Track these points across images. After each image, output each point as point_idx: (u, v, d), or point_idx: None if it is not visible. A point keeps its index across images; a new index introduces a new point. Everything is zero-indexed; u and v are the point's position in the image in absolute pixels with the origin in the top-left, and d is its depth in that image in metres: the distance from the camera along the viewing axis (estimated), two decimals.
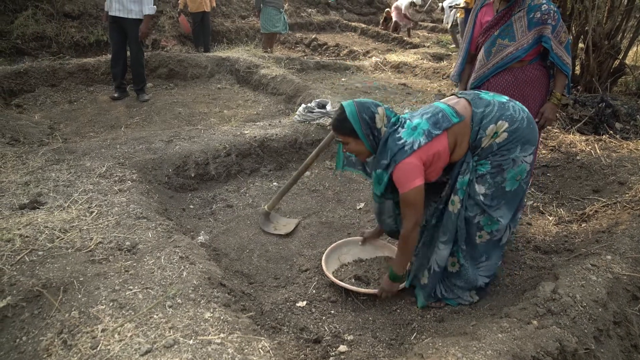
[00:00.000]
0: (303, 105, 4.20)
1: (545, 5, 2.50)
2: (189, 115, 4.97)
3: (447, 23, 13.14)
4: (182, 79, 6.29)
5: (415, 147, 1.92)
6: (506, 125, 1.96)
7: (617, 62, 4.75)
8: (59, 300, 1.68)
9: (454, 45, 11.29)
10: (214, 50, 8.43)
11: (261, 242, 2.79)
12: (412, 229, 2.00)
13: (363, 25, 12.71)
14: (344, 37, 12.11)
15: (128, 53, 5.23)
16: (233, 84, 6.31)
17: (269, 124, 4.11)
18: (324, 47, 10.05)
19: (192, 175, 3.34)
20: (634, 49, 6.85)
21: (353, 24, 12.95)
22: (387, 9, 13.32)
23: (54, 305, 1.66)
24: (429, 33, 13.56)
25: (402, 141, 1.95)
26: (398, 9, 11.68)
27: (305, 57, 8.88)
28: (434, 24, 14.48)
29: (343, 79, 7.18)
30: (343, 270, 2.45)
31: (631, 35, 4.75)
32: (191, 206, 3.13)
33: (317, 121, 4.03)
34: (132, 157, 3.20)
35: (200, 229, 2.83)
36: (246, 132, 3.83)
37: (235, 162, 3.56)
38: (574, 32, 4.63)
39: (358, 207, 3.23)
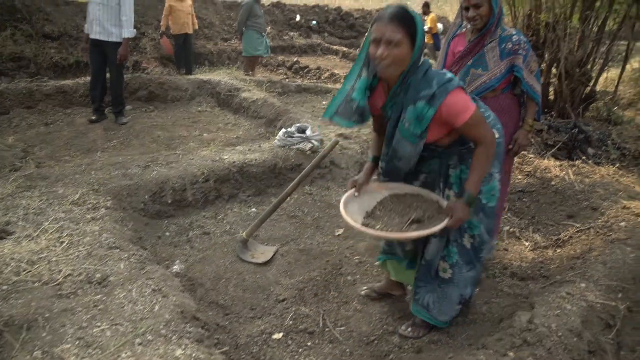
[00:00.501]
0: (283, 130, 4.21)
1: (515, 36, 2.57)
2: (168, 139, 4.93)
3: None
4: (162, 102, 6.26)
5: (461, 84, 1.79)
6: (497, 135, 1.95)
7: (588, 89, 4.90)
8: (20, 340, 1.61)
9: None
10: (196, 73, 8.44)
11: (238, 270, 2.74)
12: (491, 144, 1.81)
13: (344, 49, 12.90)
14: (325, 60, 12.27)
15: (108, 75, 5.20)
16: (214, 107, 6.30)
17: (249, 149, 4.10)
18: (306, 70, 10.15)
19: (169, 201, 3.29)
20: (604, 75, 7.09)
21: (334, 47, 13.15)
22: None
23: (14, 345, 1.59)
24: None
25: (448, 75, 1.76)
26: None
27: (286, 80, 8.95)
28: None
29: (324, 102, 7.23)
30: (385, 219, 1.92)
31: (601, 62, 4.92)
32: (167, 233, 3.07)
33: (297, 146, 4.03)
34: (107, 183, 3.14)
35: (176, 258, 2.78)
36: (225, 157, 3.81)
37: (214, 187, 3.53)
38: (547, 59, 4.78)
39: (337, 234, 3.21)
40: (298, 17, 14.22)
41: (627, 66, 10.66)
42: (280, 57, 11.21)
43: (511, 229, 3.31)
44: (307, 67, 10.38)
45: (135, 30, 5.21)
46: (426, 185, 2.07)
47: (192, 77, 7.19)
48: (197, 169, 3.53)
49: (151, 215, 3.16)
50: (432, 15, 10.82)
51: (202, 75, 7.57)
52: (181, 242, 3.00)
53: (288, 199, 3.61)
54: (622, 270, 2.44)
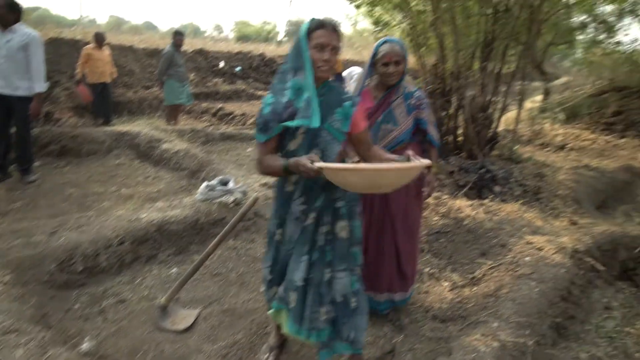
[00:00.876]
0: (205, 183, 4.14)
1: (417, 92, 2.76)
2: (81, 197, 4.65)
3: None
4: (76, 156, 5.93)
5: None
6: None
7: (492, 131, 5.35)
8: None
9: None
10: (115, 123, 8.14)
11: (157, 340, 2.59)
12: None
13: None
14: (250, 105, 12.38)
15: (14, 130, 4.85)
16: (133, 160, 6.07)
17: (169, 205, 3.97)
18: (231, 116, 10.17)
19: (80, 269, 3.07)
20: (508, 115, 7.77)
21: (259, 92, 13.34)
22: None
23: None
24: None
25: None
26: None
27: (211, 128, 8.90)
28: None
29: (249, 149, 7.25)
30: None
31: (500, 108, 5.41)
32: (77, 305, 2.84)
33: (220, 199, 3.97)
34: (6, 255, 2.88)
35: (86, 333, 2.56)
36: (143, 215, 3.66)
37: (130, 249, 3.35)
38: (454, 106, 5.18)
39: (262, 290, 3.15)
40: (222, 64, 14.34)
41: (526, 104, 11.80)
42: (204, 104, 11.15)
43: (431, 270, 3.44)
44: (232, 113, 10.41)
45: (47, 83, 4.95)
46: (316, 223, 2.01)
47: (109, 128, 6.92)
48: (112, 231, 3.34)
49: (58, 286, 2.92)
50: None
51: (121, 126, 7.31)
52: (93, 314, 2.78)
53: (211, 255, 3.52)
54: (529, 305, 2.62)
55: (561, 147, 9.18)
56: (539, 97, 13.26)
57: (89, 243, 3.18)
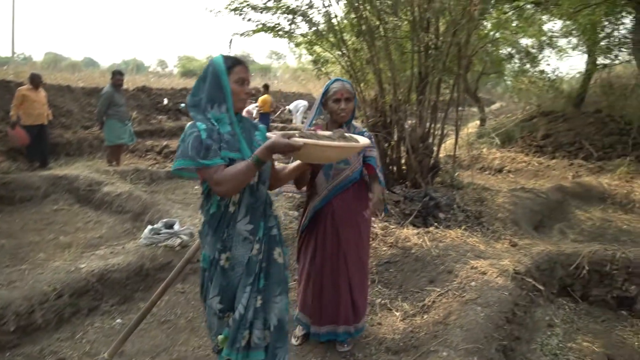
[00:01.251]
0: (149, 227, 4.01)
1: (365, 132, 2.84)
2: (14, 248, 4.36)
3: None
4: (8, 204, 5.59)
5: None
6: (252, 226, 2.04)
7: (432, 160, 5.58)
8: None
9: None
10: (52, 166, 7.78)
11: None
12: None
13: None
14: None
15: None
16: (72, 205, 5.80)
17: (111, 252, 3.80)
18: None
19: (12, 329, 2.84)
20: (447, 141, 8.13)
21: None
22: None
23: None
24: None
25: None
26: (249, 113, 12.38)
27: (156, 166, 8.69)
28: (283, 124, 15.52)
29: (196, 187, 7.12)
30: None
31: (439, 137, 5.67)
32: None
33: (165, 243, 3.86)
34: None
35: None
36: (82, 265, 3.47)
37: (69, 303, 3.16)
38: (395, 138, 5.38)
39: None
40: (166, 101, 14.15)
41: (464, 130, 12.42)
42: (148, 142, 10.90)
43: (382, 301, 3.48)
44: None
45: None
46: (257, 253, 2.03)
47: (46, 172, 6.60)
48: (48, 284, 3.14)
49: None
50: (266, 96, 11.68)
51: (59, 169, 7.00)
52: None
53: (158, 302, 3.39)
54: (476, 331, 2.70)
55: (499, 170, 9.70)
56: (476, 123, 14.04)
57: (22, 299, 2.97)
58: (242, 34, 5.60)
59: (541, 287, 3.56)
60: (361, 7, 5.04)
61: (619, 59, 11.10)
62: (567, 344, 3.17)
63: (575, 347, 3.12)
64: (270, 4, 5.40)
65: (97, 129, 8.97)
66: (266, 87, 12.71)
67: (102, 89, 8.63)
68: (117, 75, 7.47)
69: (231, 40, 5.48)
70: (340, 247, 2.76)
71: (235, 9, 5.38)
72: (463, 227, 4.45)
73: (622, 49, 10.48)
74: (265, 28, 5.54)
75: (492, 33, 8.49)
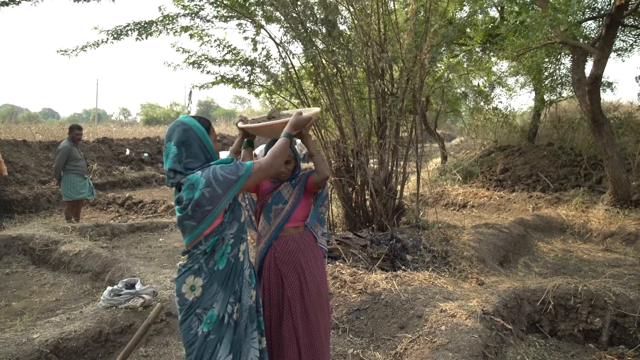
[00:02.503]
0: (109, 289, 3.83)
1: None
2: None
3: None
4: None
5: None
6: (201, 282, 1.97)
7: (397, 201, 5.66)
8: None
9: None
10: (6, 226, 7.42)
11: None
12: None
13: None
14: (161, 191, 12.02)
15: None
16: (27, 266, 5.51)
17: (67, 317, 3.59)
18: (140, 204, 9.74)
19: None
20: (411, 181, 8.29)
21: None
22: None
23: None
24: None
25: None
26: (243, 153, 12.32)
27: (118, 220, 8.44)
28: None
29: (160, 239, 6.93)
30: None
31: (401, 179, 5.77)
32: None
33: (126, 304, 3.68)
34: None
35: None
36: (35, 335, 3.25)
37: None
38: (359, 181, 5.44)
39: None
40: (128, 151, 13.93)
41: (428, 167, 12.72)
42: (110, 194, 10.62)
43: (355, 351, 3.40)
44: (141, 201, 9.99)
45: None
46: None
47: None
48: None
49: None
50: None
51: (13, 229, 6.68)
52: None
53: None
54: None
55: (463, 206, 9.92)
56: (438, 160, 14.46)
57: None
58: (201, 87, 5.66)
59: (510, 327, 3.58)
60: (318, 57, 5.20)
61: (562, 96, 11.83)
62: None
63: None
64: (228, 57, 5.50)
65: (55, 185, 8.68)
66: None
67: (60, 142, 8.44)
68: (75, 130, 7.32)
69: (190, 92, 5.47)
70: (285, 295, 2.67)
71: (193, 63, 5.45)
72: (430, 269, 4.47)
73: (565, 87, 11.19)
74: (224, 79, 5.61)
75: (446, 74, 8.93)
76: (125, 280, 3.96)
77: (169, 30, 5.33)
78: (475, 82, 12.22)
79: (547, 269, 5.65)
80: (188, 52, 5.59)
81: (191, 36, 5.54)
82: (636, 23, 9.18)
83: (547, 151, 10.89)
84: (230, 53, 5.62)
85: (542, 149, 11.11)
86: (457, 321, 3.35)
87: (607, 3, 8.85)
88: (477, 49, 9.59)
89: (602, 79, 8.70)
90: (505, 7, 9.70)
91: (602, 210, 7.66)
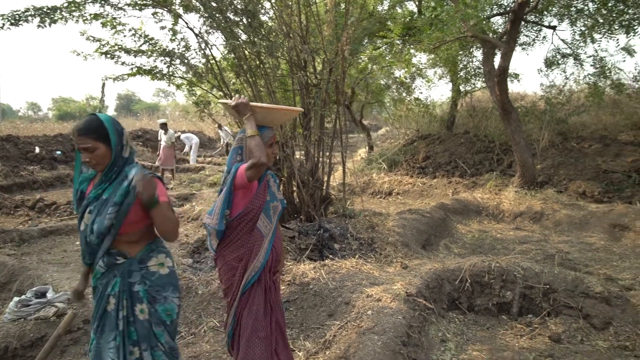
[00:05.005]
0: (15, 299, 3.52)
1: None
2: None
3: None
4: None
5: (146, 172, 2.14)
6: (170, 263, 2.30)
7: (324, 192, 5.73)
8: None
9: (198, 183, 11.83)
10: None
11: None
12: (175, 223, 2.17)
13: None
14: None
15: None
16: None
17: None
18: (53, 207, 9.02)
19: None
20: (340, 170, 8.42)
21: None
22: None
23: None
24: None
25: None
26: (164, 150, 11.80)
27: (28, 224, 7.77)
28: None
29: (77, 243, 6.48)
30: None
31: (327, 169, 5.84)
32: None
33: (36, 315, 3.40)
34: None
35: None
36: None
37: None
38: (285, 174, 5.43)
39: None
40: (37, 150, 12.84)
41: (355, 157, 13.00)
42: (18, 197, 9.72)
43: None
44: (54, 203, 9.25)
45: None
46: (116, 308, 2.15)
47: None
48: None
49: None
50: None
51: None
52: None
53: None
54: None
55: (389, 193, 10.28)
56: (364, 150, 14.84)
57: None
58: (115, 79, 5.32)
59: (432, 306, 3.78)
60: (240, 48, 5.09)
61: (476, 87, 12.61)
62: (459, 356, 3.37)
63: (466, 358, 3.32)
64: (144, 47, 5.21)
65: None
66: (163, 124, 12.18)
67: None
68: None
69: (103, 84, 5.14)
70: (278, 294, 2.69)
71: (106, 53, 5.10)
72: (357, 256, 4.59)
73: (478, 78, 11.93)
74: (141, 71, 5.32)
75: (369, 66, 9.15)
76: (35, 289, 3.67)
77: (76, 18, 4.94)
78: (397, 74, 12.67)
79: (465, 249, 6.01)
80: (99, 41, 5.23)
81: (103, 24, 5.18)
82: (537, 20, 9.97)
83: (464, 139, 11.55)
84: (147, 43, 5.33)
85: (459, 137, 11.77)
86: (383, 305, 3.47)
87: (512, 0, 9.50)
88: (397, 42, 9.92)
89: (510, 71, 9.37)
90: (423, 2, 10.12)
91: (512, 192, 8.28)
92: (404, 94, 13.85)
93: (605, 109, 10.78)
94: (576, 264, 5.08)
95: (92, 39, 5.16)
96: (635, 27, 8.23)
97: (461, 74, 11.92)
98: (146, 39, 5.33)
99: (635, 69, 16.28)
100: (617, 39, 14.54)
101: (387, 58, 10.12)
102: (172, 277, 2.29)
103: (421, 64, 13.42)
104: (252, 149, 2.35)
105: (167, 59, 5.35)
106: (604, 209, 7.11)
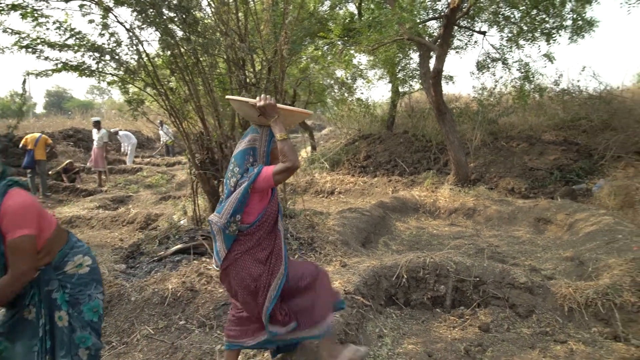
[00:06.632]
0: None
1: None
2: None
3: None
4: None
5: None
6: (90, 261, 2.27)
7: None
8: None
9: (135, 185, 11.37)
10: None
11: None
12: (16, 278, 1.93)
13: (24, 178, 11.29)
14: None
15: None
16: None
17: None
18: None
19: None
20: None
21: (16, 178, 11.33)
22: (70, 160, 12.50)
23: None
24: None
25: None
26: (95, 151, 11.19)
27: None
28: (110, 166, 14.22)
29: None
30: None
31: None
32: None
33: None
34: None
35: None
36: None
37: None
38: (224, 174, 5.33)
39: None
40: None
41: (299, 156, 13.03)
42: None
43: (222, 347, 3.34)
44: None
45: None
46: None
47: None
48: None
49: None
50: (30, 135, 10.35)
51: None
52: None
53: None
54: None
55: (331, 192, 10.39)
56: (308, 149, 14.90)
57: None
58: (39, 74, 4.98)
59: (369, 303, 3.86)
60: (174, 45, 4.94)
61: (414, 88, 13.05)
62: (395, 350, 3.46)
63: (402, 352, 3.42)
64: (70, 42, 4.92)
65: None
66: (96, 122, 11.56)
67: None
68: None
69: (24, 80, 4.80)
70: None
71: (27, 47, 4.76)
72: (297, 256, 4.59)
73: (415, 80, 12.35)
74: (67, 67, 5.02)
75: (311, 66, 9.20)
76: None
77: None
78: (338, 74, 12.82)
79: (403, 246, 6.20)
80: (19, 34, 4.87)
81: (22, 16, 4.83)
82: (469, 25, 10.47)
83: (403, 138, 11.91)
84: (74, 37, 5.04)
85: (399, 137, 12.12)
86: None
87: (446, 5, 9.91)
88: (338, 42, 10.05)
89: (444, 73, 9.79)
90: (363, 4, 10.31)
91: (447, 189, 8.65)
92: (346, 94, 14.05)
93: (530, 111, 11.52)
94: (504, 257, 5.38)
95: (9, 31, 4.80)
96: (554, 36, 8.87)
97: (399, 75, 12.28)
98: (72, 32, 5.04)
99: (556, 74, 17.55)
100: (539, 46, 15.62)
101: (328, 58, 10.23)
102: (94, 273, 2.27)
103: (361, 64, 13.68)
104: (287, 152, 2.27)
105: (96, 54, 5.09)
106: (529, 204, 7.59)
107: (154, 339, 3.46)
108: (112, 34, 5.10)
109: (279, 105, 2.37)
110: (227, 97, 2.44)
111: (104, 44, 5.08)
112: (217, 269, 2.65)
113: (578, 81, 13.21)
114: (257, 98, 2.34)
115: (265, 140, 2.49)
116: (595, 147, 9.49)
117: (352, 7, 11.24)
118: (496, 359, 3.28)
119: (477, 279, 4.13)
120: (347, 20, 10.26)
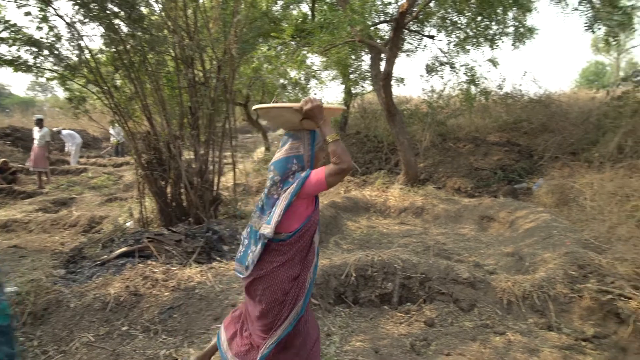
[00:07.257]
0: None
1: None
2: None
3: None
4: None
5: None
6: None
7: (214, 193, 5.60)
8: None
9: (79, 187, 10.88)
10: None
11: None
12: None
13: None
14: None
15: None
16: None
17: None
18: None
19: None
20: (239, 168, 8.29)
21: None
22: (4, 159, 11.73)
23: None
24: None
25: None
26: (35, 151, 10.55)
27: None
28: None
29: None
30: None
31: (217, 170, 5.73)
32: None
33: None
34: None
35: None
36: None
37: None
38: (172, 175, 5.21)
39: None
40: None
41: (254, 156, 12.88)
42: None
43: (167, 351, 3.26)
44: None
45: None
46: None
47: None
48: None
49: None
50: None
51: None
52: None
53: None
54: None
55: None
56: (262, 150, 14.80)
57: None
58: None
59: (318, 302, 3.88)
60: (119, 41, 4.78)
61: (366, 89, 13.27)
62: (343, 348, 3.50)
63: (349, 349, 3.46)
64: (4, 35, 4.66)
65: None
66: (39, 120, 10.93)
67: None
68: None
69: None
70: None
71: None
72: None
73: (367, 81, 12.56)
74: (1, 61, 4.75)
75: (263, 66, 9.14)
76: None
77: None
78: (292, 74, 12.81)
79: (354, 245, 6.28)
80: None
81: None
82: (418, 29, 10.77)
83: (355, 139, 12.07)
84: (9, 30, 4.78)
85: (351, 137, 12.28)
86: None
87: (396, 9, 10.14)
88: (291, 43, 10.05)
89: (395, 75, 10.02)
90: (316, 5, 10.37)
91: (397, 189, 8.85)
92: (300, 95, 14.05)
93: (476, 113, 12.00)
94: (450, 254, 5.58)
95: None
96: (497, 41, 9.29)
97: (352, 76, 12.44)
98: (7, 25, 4.78)
99: (500, 78, 18.37)
100: (483, 51, 16.26)
101: (281, 58, 10.21)
102: None
103: (314, 65, 13.73)
104: (340, 154, 2.13)
105: (34, 49, 4.84)
106: (474, 203, 7.90)
107: (94, 346, 3.33)
108: (51, 28, 4.88)
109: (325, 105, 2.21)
110: (256, 106, 2.19)
111: (42, 37, 4.84)
112: (241, 275, 2.43)
113: (520, 85, 13.87)
114: (302, 101, 2.16)
115: (309, 145, 2.35)
116: (535, 148, 10.02)
117: (305, 8, 11.29)
118: (439, 352, 3.40)
119: (423, 275, 4.25)
120: (300, 21, 10.29)
